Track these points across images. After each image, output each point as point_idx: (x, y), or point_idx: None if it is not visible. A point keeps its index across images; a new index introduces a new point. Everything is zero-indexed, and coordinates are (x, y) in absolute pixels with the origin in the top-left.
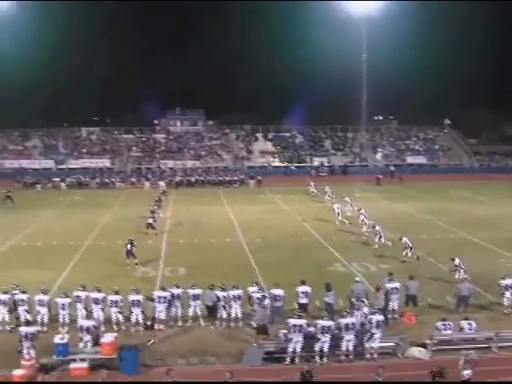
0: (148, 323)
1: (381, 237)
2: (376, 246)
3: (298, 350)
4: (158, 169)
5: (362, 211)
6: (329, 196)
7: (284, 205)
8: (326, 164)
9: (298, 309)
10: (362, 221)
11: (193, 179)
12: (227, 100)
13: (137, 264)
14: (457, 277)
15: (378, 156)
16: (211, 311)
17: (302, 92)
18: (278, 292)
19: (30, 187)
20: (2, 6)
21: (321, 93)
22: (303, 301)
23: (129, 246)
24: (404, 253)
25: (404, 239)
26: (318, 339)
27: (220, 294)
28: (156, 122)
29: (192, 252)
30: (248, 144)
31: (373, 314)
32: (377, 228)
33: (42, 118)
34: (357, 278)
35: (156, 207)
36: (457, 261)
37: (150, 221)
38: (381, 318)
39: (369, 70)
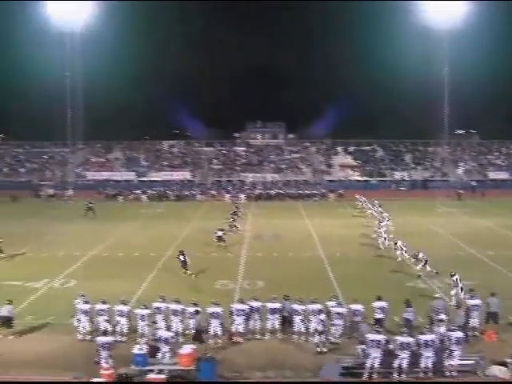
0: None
1: (404, 252)
2: (399, 259)
3: (376, 365)
4: (239, 181)
5: (384, 223)
6: (374, 211)
7: (364, 219)
8: (406, 178)
9: (375, 324)
10: (380, 235)
11: (272, 192)
12: (308, 113)
13: (189, 273)
14: (452, 293)
15: (460, 171)
16: (285, 322)
17: (384, 106)
18: (357, 307)
19: (111, 199)
20: (91, 22)
21: (401, 107)
22: (379, 316)
23: (181, 258)
24: (419, 267)
25: (420, 254)
26: (397, 355)
27: (298, 307)
28: (236, 134)
29: (271, 265)
30: (328, 158)
31: (452, 330)
32: (398, 244)
33: (124, 130)
34: (437, 294)
35: (232, 220)
36: (455, 277)
37: (220, 233)
38: (461, 334)
39: (450, 82)
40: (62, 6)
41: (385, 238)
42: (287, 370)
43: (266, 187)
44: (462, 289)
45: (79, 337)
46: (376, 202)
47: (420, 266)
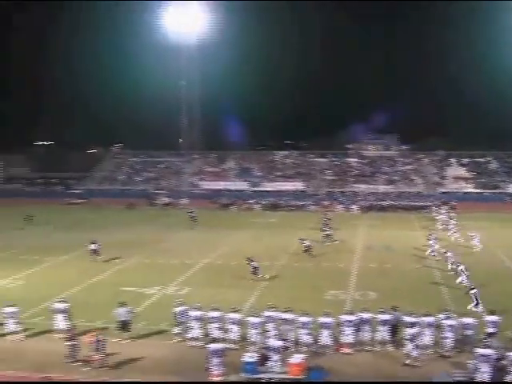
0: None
1: (452, 263)
2: (449, 267)
3: (486, 381)
4: (351, 192)
5: (434, 236)
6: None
7: (477, 232)
8: None
9: (486, 338)
10: (431, 246)
11: (385, 204)
12: (421, 125)
13: (265, 277)
14: (469, 307)
15: None
16: (395, 334)
17: (498, 118)
18: (469, 320)
19: (225, 208)
20: (207, 33)
21: None
22: (491, 330)
23: (255, 263)
24: (459, 280)
25: (461, 267)
26: (509, 372)
27: (409, 319)
28: (349, 145)
29: (383, 276)
30: (441, 169)
31: None
32: (448, 254)
33: (238, 140)
34: None
35: (326, 230)
36: (473, 291)
37: (307, 243)
38: None
39: None
40: (179, 18)
41: (432, 251)
42: (395, 381)
43: (378, 198)
44: (477, 303)
45: (191, 343)
46: (453, 214)
47: (460, 279)
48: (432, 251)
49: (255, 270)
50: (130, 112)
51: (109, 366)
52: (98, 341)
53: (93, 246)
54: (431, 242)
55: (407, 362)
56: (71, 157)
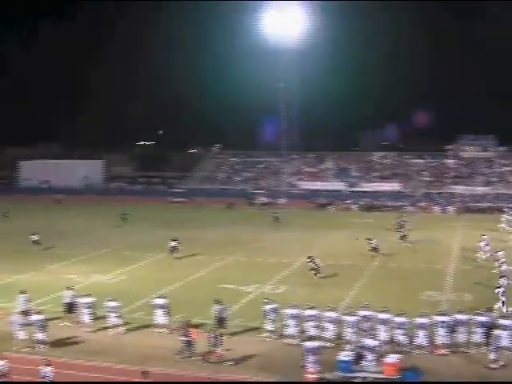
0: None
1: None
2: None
3: None
4: (448, 194)
5: (486, 237)
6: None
7: None
8: None
9: None
10: (481, 248)
11: (482, 205)
12: None
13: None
14: (495, 307)
15: None
16: (490, 336)
17: None
18: None
19: (322, 208)
20: (306, 36)
21: None
22: None
23: (316, 262)
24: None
25: (503, 267)
26: None
27: (505, 322)
28: (447, 147)
29: (479, 278)
30: None
31: None
32: (499, 254)
33: (335, 141)
34: None
35: (401, 231)
36: (500, 289)
37: (374, 244)
38: None
39: None
40: (278, 19)
41: (485, 252)
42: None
43: (475, 200)
44: (503, 303)
45: (287, 340)
46: None
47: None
48: (487, 252)
49: (316, 269)
50: (230, 113)
51: (229, 361)
52: (216, 336)
53: (173, 243)
54: (482, 243)
55: (492, 366)
56: (172, 156)
